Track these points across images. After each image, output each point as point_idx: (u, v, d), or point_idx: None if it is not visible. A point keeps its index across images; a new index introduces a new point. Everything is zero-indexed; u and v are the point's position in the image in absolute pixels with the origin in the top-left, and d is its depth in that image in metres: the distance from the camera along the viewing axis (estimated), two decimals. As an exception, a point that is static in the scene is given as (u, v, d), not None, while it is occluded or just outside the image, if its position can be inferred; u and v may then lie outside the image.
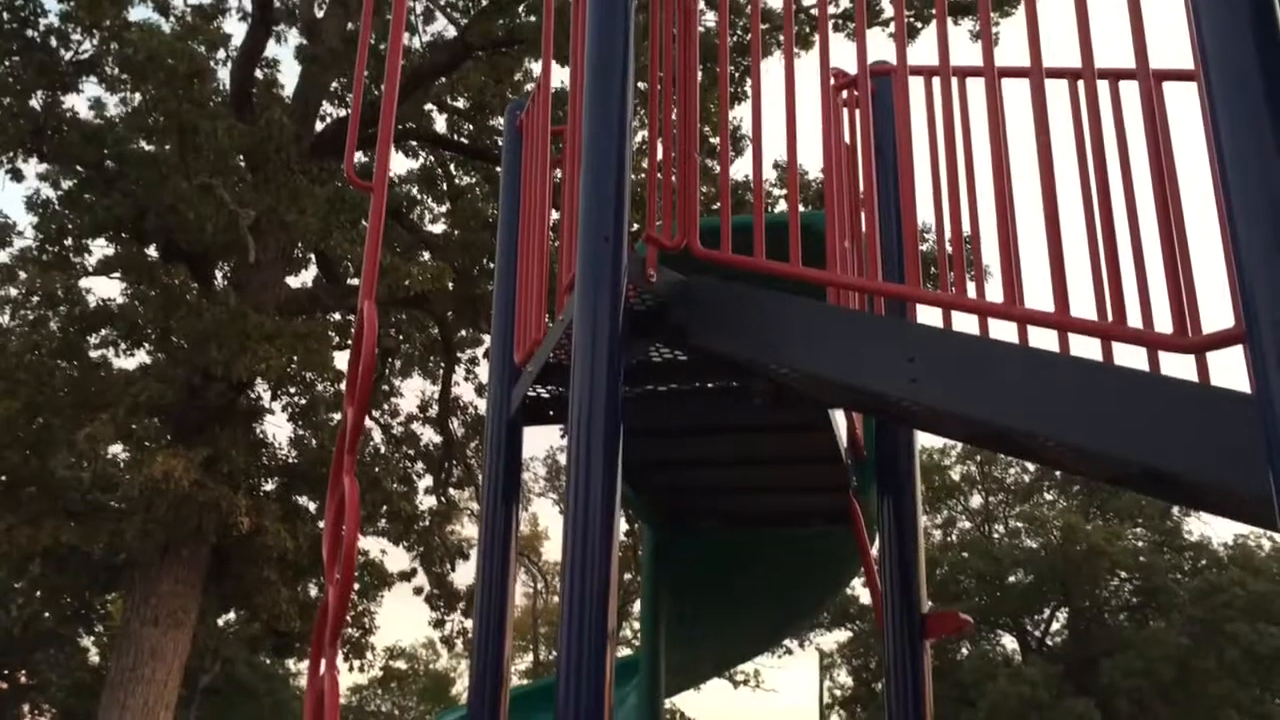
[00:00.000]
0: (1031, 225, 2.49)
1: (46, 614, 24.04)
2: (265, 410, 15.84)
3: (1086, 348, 2.44)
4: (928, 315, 2.90)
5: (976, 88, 2.86)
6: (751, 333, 2.80)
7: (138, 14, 14.36)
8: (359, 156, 15.52)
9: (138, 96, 14.21)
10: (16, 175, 14.01)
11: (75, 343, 14.50)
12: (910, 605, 3.25)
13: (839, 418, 3.81)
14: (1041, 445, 2.51)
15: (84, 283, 15.07)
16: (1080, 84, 2.45)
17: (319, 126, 16.60)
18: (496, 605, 3.38)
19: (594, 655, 2.36)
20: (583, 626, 2.38)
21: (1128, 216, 2.49)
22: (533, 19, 15.52)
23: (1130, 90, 2.67)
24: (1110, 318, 2.22)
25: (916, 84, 2.90)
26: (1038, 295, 2.43)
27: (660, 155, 3.06)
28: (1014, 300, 2.36)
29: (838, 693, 37.05)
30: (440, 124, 17.70)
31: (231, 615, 20.78)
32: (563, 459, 38.66)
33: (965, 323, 2.65)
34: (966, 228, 2.75)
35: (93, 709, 21.50)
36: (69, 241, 14.87)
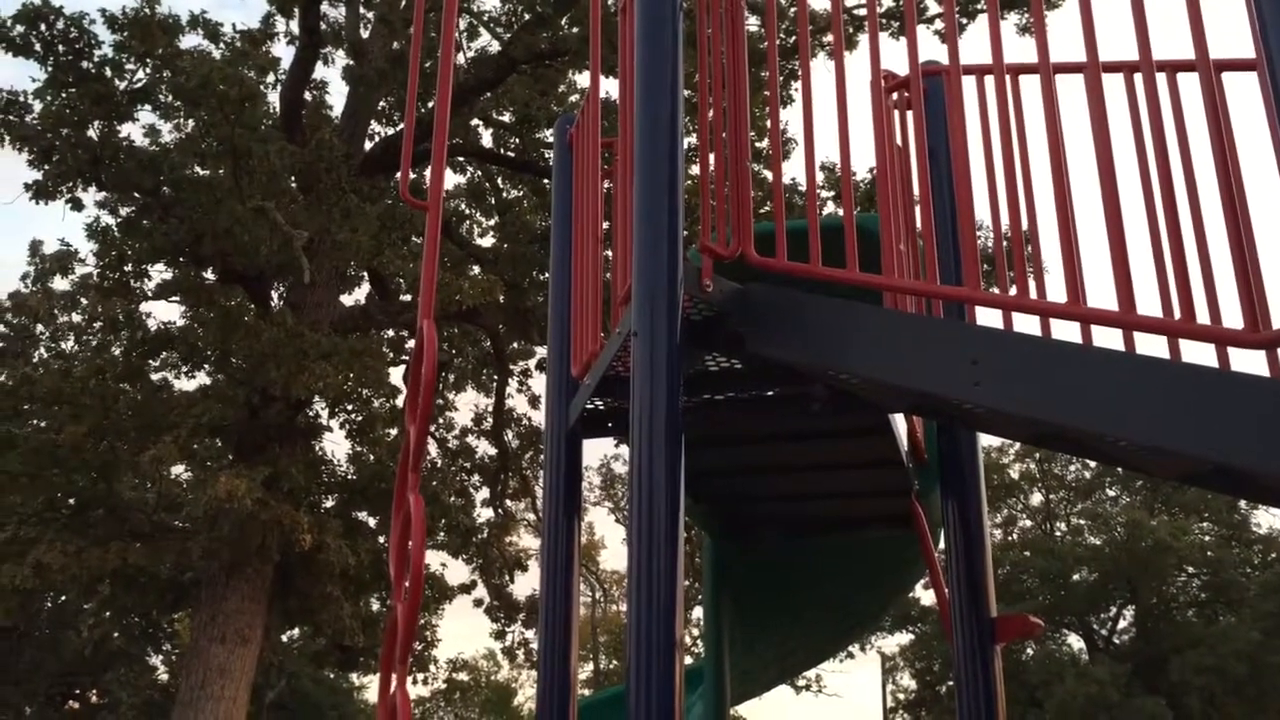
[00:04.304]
0: (1092, 223, 2.47)
1: (116, 634, 24.48)
2: (323, 428, 16.03)
3: (1151, 345, 2.40)
4: (986, 317, 2.88)
5: (1029, 84, 2.83)
6: (810, 339, 2.78)
7: (189, 41, 14.57)
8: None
9: (191, 123, 14.46)
10: (76, 204, 14.27)
11: (138, 366, 14.75)
12: (979, 609, 3.21)
13: (899, 421, 3.79)
14: (1111, 445, 2.47)
15: (144, 307, 15.33)
16: (1138, 77, 2.42)
17: (368, 145, 16.80)
18: (561, 617, 3.39)
19: (662, 667, 2.36)
20: (650, 638, 2.38)
21: (1191, 212, 2.45)
22: (575, 30, 15.59)
23: (1190, 82, 2.63)
24: (1177, 315, 2.19)
25: (968, 82, 2.88)
26: (1100, 294, 2.40)
27: (712, 163, 3.06)
28: (1077, 300, 2.33)
29: (901, 696, 36.75)
30: (487, 138, 17.85)
31: (295, 631, 21.01)
32: (616, 467, 38.82)
33: (1027, 324, 2.62)
34: (1024, 227, 2.72)
35: (163, 726, 21.81)
36: (128, 267, 15.13)
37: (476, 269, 16.66)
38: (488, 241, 18.46)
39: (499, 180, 18.38)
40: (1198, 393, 2.07)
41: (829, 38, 13.97)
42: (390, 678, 2.96)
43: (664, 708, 2.32)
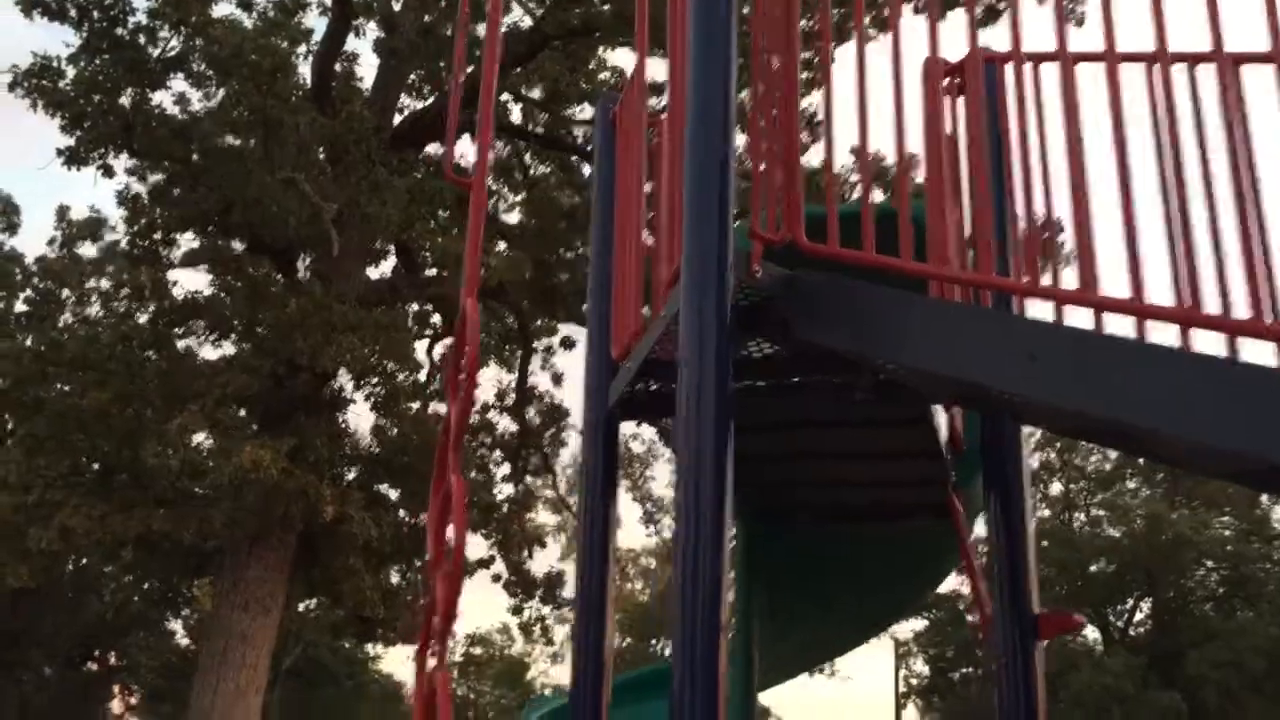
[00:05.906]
0: (1151, 218, 2.43)
1: (136, 598, 24.69)
2: (348, 400, 16.07)
3: (1209, 343, 2.38)
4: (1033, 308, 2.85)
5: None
6: (860, 327, 2.75)
7: (221, 10, 14.58)
8: (438, 147, 15.66)
9: (222, 92, 14.45)
10: (107, 171, 14.29)
11: (164, 334, 14.81)
12: (1021, 605, 3.18)
13: (939, 411, 3.76)
14: (1163, 442, 2.43)
15: (171, 275, 15.38)
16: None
17: (397, 119, 16.77)
18: (596, 596, 3.39)
19: (708, 651, 2.35)
20: (696, 623, 2.37)
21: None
22: (607, 8, 15.49)
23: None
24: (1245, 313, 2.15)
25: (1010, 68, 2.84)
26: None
27: (764, 147, 3.02)
28: (1139, 296, 2.29)
29: (914, 681, 36.78)
30: (516, 114, 17.79)
31: (312, 601, 21.13)
32: (635, 447, 38.82)
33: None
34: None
35: (179, 690, 22.00)
36: (157, 235, 15.18)
37: (503, 245, 16.64)
38: (514, 218, 18.44)
39: (526, 156, 18.33)
40: (1259, 392, 2.04)
41: (877, 14, 13.80)
42: (427, 657, 2.96)
43: (708, 694, 2.32)
